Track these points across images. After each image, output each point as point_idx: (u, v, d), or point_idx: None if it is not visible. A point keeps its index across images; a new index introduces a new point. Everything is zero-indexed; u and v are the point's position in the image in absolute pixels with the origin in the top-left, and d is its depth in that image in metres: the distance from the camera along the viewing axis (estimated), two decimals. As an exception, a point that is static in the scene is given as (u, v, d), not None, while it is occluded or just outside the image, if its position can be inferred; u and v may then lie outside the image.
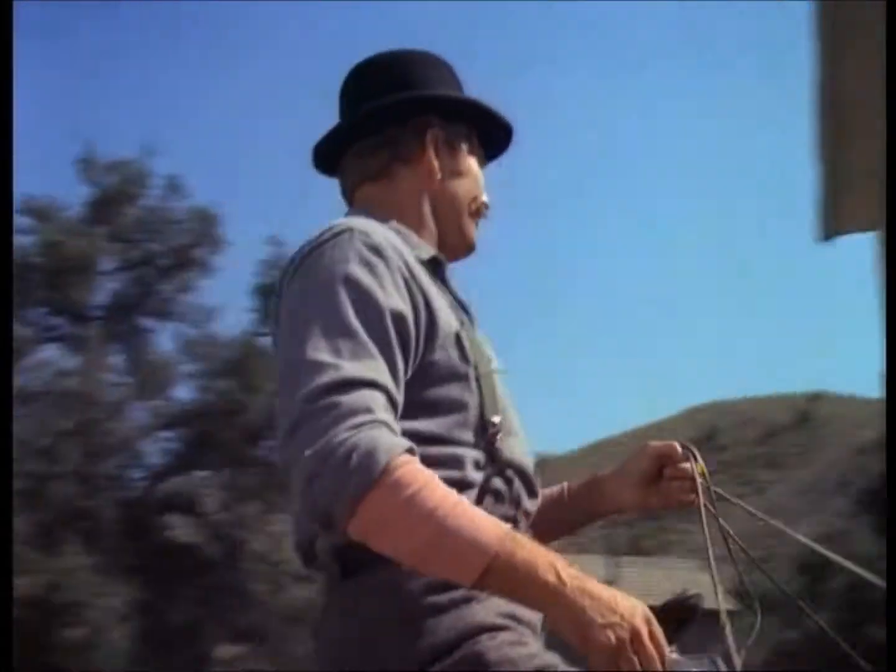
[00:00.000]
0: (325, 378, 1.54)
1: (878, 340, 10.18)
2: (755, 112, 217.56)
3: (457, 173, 1.91)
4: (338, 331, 1.60)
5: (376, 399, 1.54)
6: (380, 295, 1.64)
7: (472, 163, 1.94)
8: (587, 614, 1.46)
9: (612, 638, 1.45)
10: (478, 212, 1.94)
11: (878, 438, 25.61)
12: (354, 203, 1.92)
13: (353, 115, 1.88)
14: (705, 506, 1.82)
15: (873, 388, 12.53)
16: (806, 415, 78.84)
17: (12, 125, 3.72)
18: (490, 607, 1.63)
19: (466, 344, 1.73)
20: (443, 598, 1.62)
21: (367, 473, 1.46)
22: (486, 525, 1.49)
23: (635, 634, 1.46)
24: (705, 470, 1.86)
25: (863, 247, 9.73)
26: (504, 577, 1.47)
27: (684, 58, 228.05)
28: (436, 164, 1.88)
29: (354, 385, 1.54)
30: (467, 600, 1.62)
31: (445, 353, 1.69)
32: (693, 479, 1.86)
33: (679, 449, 1.92)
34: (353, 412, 1.51)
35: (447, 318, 1.72)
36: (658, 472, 1.95)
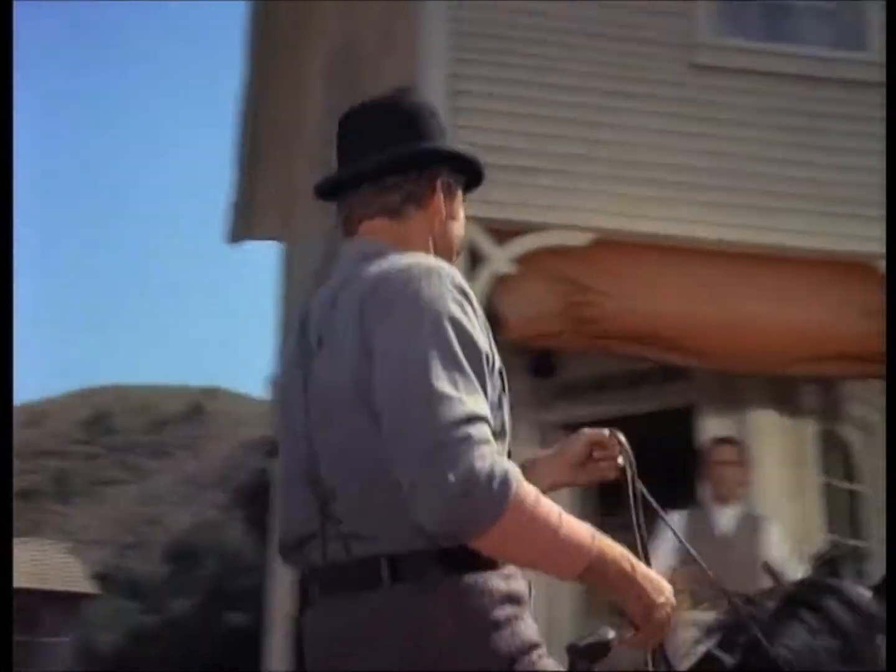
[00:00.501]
0: (456, 411, 1.77)
1: (271, 343, 10.80)
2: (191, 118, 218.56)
3: (453, 217, 2.13)
4: (452, 365, 1.81)
5: (489, 431, 1.81)
6: (474, 333, 1.88)
7: (462, 207, 2.17)
8: (651, 596, 1.90)
9: (665, 613, 1.92)
10: (458, 251, 2.18)
11: (261, 437, 26.71)
12: (360, 232, 2.07)
13: (376, 157, 2.05)
14: (633, 483, 2.24)
15: (262, 389, 13.10)
16: (199, 408, 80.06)
17: (12, 127, 3.78)
18: (530, 625, 1.91)
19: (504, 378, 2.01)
20: (502, 613, 1.86)
21: (505, 497, 1.74)
22: (582, 529, 1.86)
23: (672, 608, 1.93)
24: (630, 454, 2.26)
25: (267, 254, 10.16)
26: (597, 570, 1.86)
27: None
28: (443, 208, 2.09)
29: (477, 419, 1.78)
30: (517, 617, 1.89)
31: (493, 387, 1.93)
32: (626, 464, 2.25)
33: (607, 435, 2.26)
34: (483, 443, 1.76)
35: (495, 355, 1.98)
36: (589, 454, 2.27)
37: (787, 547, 5.44)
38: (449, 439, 1.74)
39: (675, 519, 5.36)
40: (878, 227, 6.19)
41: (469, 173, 2.16)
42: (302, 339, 2.00)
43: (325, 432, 1.91)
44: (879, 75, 6.14)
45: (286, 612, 8.54)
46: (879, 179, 6.29)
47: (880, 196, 6.28)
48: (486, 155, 2.28)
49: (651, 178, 6.07)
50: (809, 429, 6.73)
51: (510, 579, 1.88)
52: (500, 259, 5.67)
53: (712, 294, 6.00)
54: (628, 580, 1.89)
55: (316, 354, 1.94)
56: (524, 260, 5.70)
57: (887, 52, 7.12)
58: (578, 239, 5.81)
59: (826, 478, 6.83)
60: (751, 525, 5.47)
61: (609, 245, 5.87)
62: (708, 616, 5.03)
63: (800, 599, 2.35)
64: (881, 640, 2.24)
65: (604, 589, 1.90)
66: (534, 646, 1.87)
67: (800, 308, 6.14)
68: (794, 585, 2.44)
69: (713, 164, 6.25)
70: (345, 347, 1.88)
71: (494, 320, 5.65)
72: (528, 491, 1.80)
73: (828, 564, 2.40)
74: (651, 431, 7.77)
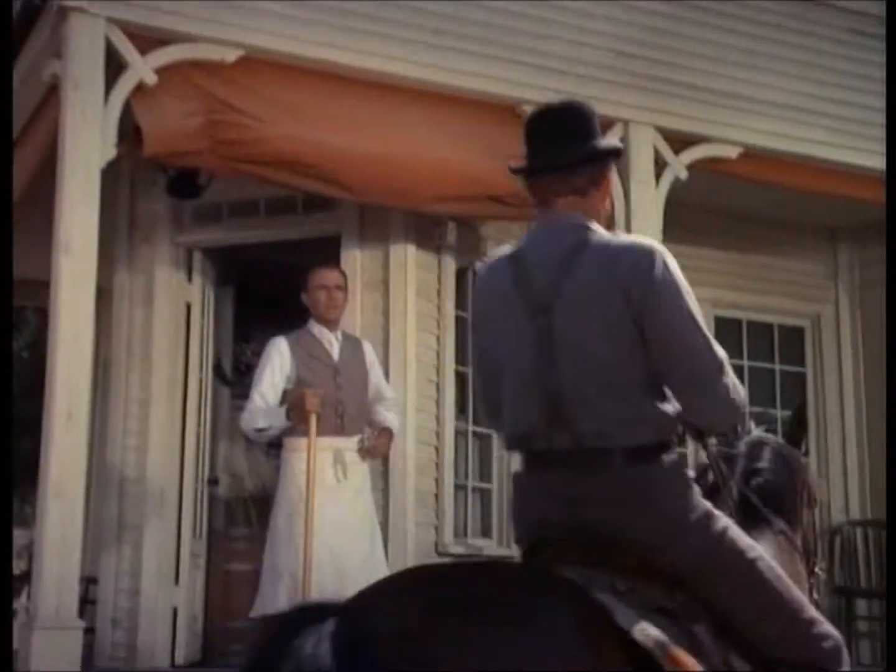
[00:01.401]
0: (722, 352, 2.58)
1: None
2: None
3: (610, 196, 2.81)
4: (703, 322, 2.58)
5: None
6: None
7: None
8: None
9: None
10: None
11: None
12: (558, 205, 2.69)
13: (576, 151, 2.68)
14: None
15: None
16: None
17: (12, 130, 4.04)
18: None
19: None
20: (693, 482, 2.62)
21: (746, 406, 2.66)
22: None
23: None
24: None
25: None
26: None
27: None
28: (611, 190, 2.81)
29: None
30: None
31: None
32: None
33: None
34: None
35: None
36: None
37: (381, 368, 5.77)
38: (727, 369, 2.57)
39: (284, 342, 5.39)
40: (525, 71, 6.30)
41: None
42: (521, 288, 2.60)
43: (572, 357, 2.54)
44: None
45: None
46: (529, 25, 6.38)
47: (529, 40, 6.39)
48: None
49: (302, -1, 5.87)
50: (448, 264, 6.89)
51: None
52: (141, 68, 5.33)
53: (361, 126, 5.94)
54: None
55: (557, 299, 2.54)
56: (166, 71, 5.39)
57: (887, 52, 7.29)
58: (224, 54, 5.55)
59: (460, 312, 7.05)
60: (353, 346, 5.59)
61: (257, 64, 5.66)
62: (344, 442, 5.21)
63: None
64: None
65: None
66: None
67: (446, 147, 6.20)
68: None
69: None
70: (604, 296, 2.52)
71: (132, 133, 5.34)
72: None
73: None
74: (296, 259, 7.76)
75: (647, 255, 2.54)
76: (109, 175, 5.47)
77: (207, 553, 6.97)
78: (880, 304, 8.88)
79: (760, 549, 2.64)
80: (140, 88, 5.28)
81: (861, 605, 8.04)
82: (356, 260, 6.53)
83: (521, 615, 2.09)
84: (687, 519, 2.52)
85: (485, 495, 7.26)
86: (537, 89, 6.20)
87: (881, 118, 7.19)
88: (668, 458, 2.55)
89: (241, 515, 7.46)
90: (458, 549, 6.73)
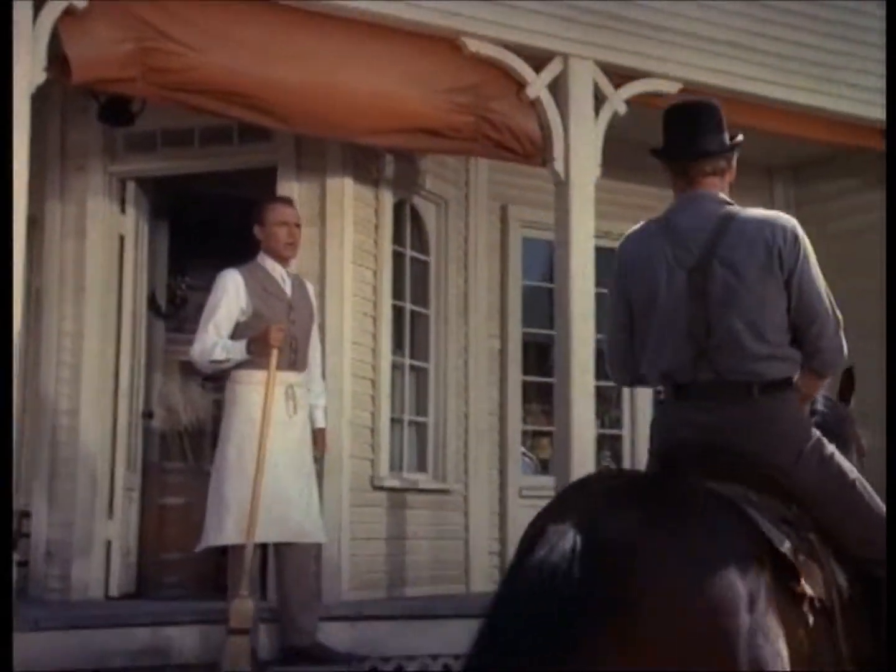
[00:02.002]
0: (839, 314, 3.24)
1: None
2: None
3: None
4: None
5: None
6: None
7: None
8: None
9: None
10: None
11: None
12: (702, 183, 3.32)
13: (717, 141, 3.35)
14: None
15: None
16: None
17: (12, 128, 4.35)
18: None
19: None
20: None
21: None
22: None
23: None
24: None
25: None
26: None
27: None
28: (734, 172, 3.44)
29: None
30: None
31: None
32: None
33: None
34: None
35: None
36: None
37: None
38: (840, 326, 3.23)
39: (238, 275, 5.35)
40: (465, 3, 6.23)
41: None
42: (678, 248, 3.19)
43: (721, 304, 3.11)
44: None
45: None
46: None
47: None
48: None
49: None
50: (386, 198, 6.84)
51: None
52: (71, -8, 5.18)
53: (297, 57, 5.83)
54: None
55: (713, 257, 3.14)
56: (95, -4, 5.25)
57: (887, 52, 7.16)
58: (158, -21, 5.43)
59: (397, 246, 7.03)
60: (300, 284, 5.59)
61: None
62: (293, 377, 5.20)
63: None
64: None
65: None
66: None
67: (383, 78, 6.12)
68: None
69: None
70: (757, 255, 3.13)
71: (61, 59, 5.21)
72: None
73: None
74: (231, 191, 7.66)
75: (793, 226, 3.22)
76: (40, 102, 5.35)
77: (142, 486, 6.96)
78: (814, 243, 8.95)
79: (857, 472, 3.24)
80: (69, 13, 5.14)
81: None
82: (292, 192, 6.46)
83: (709, 528, 2.64)
84: (807, 444, 3.14)
85: (421, 429, 7.29)
86: (477, 22, 6.14)
87: (820, 56, 7.22)
88: (792, 392, 3.20)
89: (176, 449, 7.44)
90: (394, 483, 6.77)
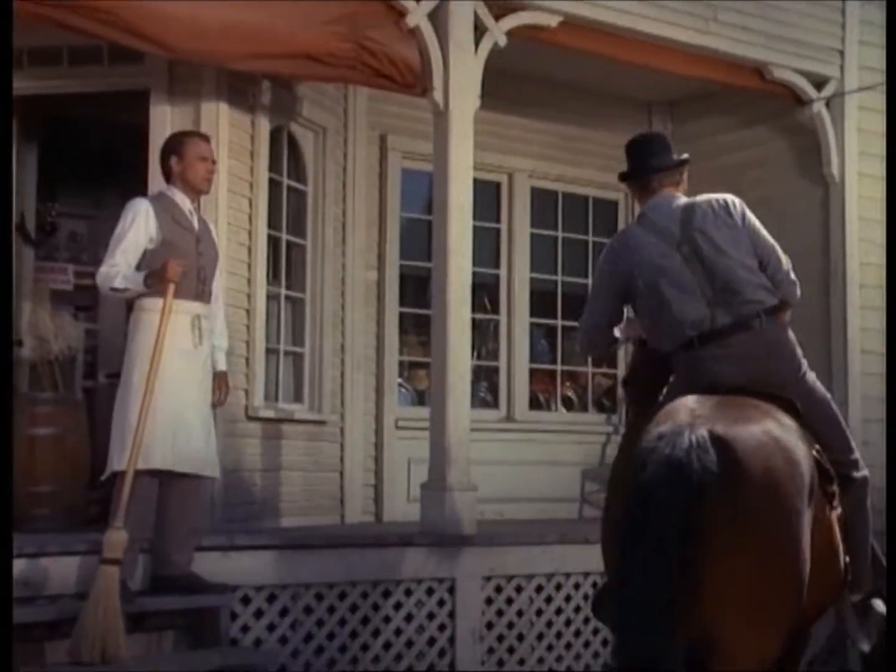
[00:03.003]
0: (784, 256, 4.17)
1: None
2: None
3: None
4: None
5: None
6: None
7: None
8: None
9: None
10: None
11: None
12: (663, 189, 4.24)
13: (669, 159, 4.30)
14: None
15: None
16: None
17: (12, 130, 4.53)
18: None
19: None
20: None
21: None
22: None
23: None
24: None
25: None
26: None
27: None
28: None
29: None
30: None
31: None
32: None
33: None
34: None
35: None
36: None
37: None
38: (789, 264, 4.15)
39: (148, 204, 5.25)
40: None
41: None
42: (661, 233, 4.08)
43: (715, 262, 3.98)
44: None
45: None
46: None
47: None
48: None
49: None
50: (262, 125, 6.72)
51: None
52: None
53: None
54: None
55: (693, 232, 4.03)
56: None
57: (887, 52, 6.98)
58: None
59: (273, 174, 6.92)
60: (204, 219, 5.54)
61: None
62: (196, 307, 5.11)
63: None
64: None
65: None
66: None
67: (261, 4, 6.00)
68: None
69: None
70: (725, 223, 4.07)
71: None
72: None
73: None
74: (100, 113, 7.45)
75: (734, 198, 4.18)
76: None
77: (10, 416, 6.79)
78: (692, 179, 9.08)
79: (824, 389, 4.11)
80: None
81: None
82: (165, 116, 6.31)
83: (783, 425, 3.59)
84: (800, 368, 4.02)
85: (297, 360, 7.25)
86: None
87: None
88: (787, 316, 4.10)
89: (47, 379, 7.27)
90: (269, 413, 6.73)
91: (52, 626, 4.96)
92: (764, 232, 4.13)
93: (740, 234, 4.06)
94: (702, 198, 4.13)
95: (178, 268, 5.06)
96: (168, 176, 5.40)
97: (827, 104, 7.92)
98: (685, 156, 4.35)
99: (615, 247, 4.22)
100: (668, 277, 3.99)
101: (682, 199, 4.17)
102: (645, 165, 4.24)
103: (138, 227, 5.19)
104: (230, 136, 6.43)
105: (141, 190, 6.36)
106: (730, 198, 4.16)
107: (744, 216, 4.11)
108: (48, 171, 7.61)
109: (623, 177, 4.34)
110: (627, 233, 4.35)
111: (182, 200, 5.34)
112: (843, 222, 7.96)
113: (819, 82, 7.91)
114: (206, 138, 5.54)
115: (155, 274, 5.10)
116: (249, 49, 5.99)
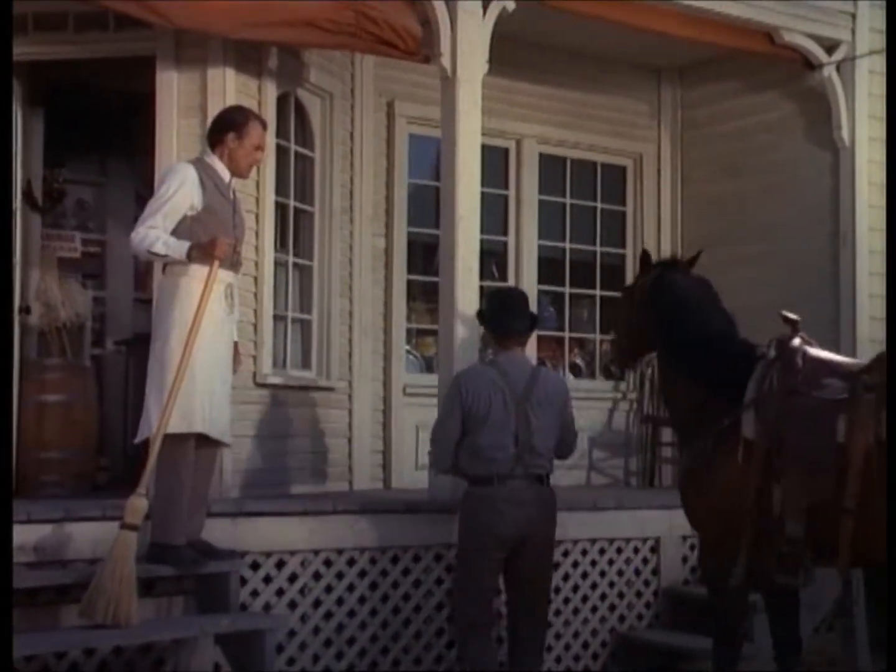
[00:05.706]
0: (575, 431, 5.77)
1: None
2: None
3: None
4: None
5: None
6: None
7: None
8: None
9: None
10: None
11: None
12: (517, 349, 5.42)
13: (527, 322, 5.43)
14: None
15: None
16: None
17: (12, 122, 4.89)
18: None
19: None
20: None
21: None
22: None
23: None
24: None
25: None
26: None
27: None
28: None
29: None
30: None
31: None
32: None
33: None
34: None
35: None
36: None
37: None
38: (576, 437, 5.67)
39: (193, 169, 5.19)
40: None
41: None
42: (507, 386, 5.25)
43: (536, 426, 5.22)
44: None
45: None
46: None
47: None
48: None
49: None
50: (269, 90, 6.69)
51: None
52: None
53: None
54: None
55: (531, 396, 5.26)
56: None
57: (887, 52, 6.89)
58: None
59: (281, 140, 6.89)
60: (234, 191, 5.47)
61: None
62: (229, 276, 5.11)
63: None
64: None
65: None
66: None
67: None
68: None
69: None
70: (552, 403, 5.34)
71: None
72: None
73: None
74: (106, 79, 7.42)
75: (567, 392, 5.47)
76: None
77: (20, 383, 6.80)
78: (701, 145, 9.08)
79: None
80: None
81: (666, 433, 8.40)
82: (172, 83, 6.27)
83: None
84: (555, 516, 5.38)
85: (305, 327, 7.25)
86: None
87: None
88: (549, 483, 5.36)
89: (55, 345, 7.29)
90: (277, 380, 6.74)
91: (64, 590, 4.99)
92: (572, 416, 5.50)
93: (558, 415, 5.33)
94: (548, 373, 5.52)
95: (227, 247, 5.03)
96: (215, 145, 5.32)
97: (837, 68, 7.86)
98: (535, 319, 5.47)
99: (466, 380, 5.32)
100: (495, 421, 5.17)
101: (530, 364, 5.59)
102: (507, 326, 5.34)
103: (185, 193, 5.09)
104: (237, 102, 6.36)
105: (148, 157, 6.39)
106: (566, 385, 5.55)
107: (566, 402, 5.40)
108: (54, 137, 7.58)
109: (485, 325, 5.53)
110: (479, 373, 5.39)
111: (223, 171, 5.28)
112: (853, 187, 7.91)
113: (830, 46, 7.85)
114: (265, 125, 5.50)
115: (201, 248, 5.03)
116: (249, 18, 5.96)
